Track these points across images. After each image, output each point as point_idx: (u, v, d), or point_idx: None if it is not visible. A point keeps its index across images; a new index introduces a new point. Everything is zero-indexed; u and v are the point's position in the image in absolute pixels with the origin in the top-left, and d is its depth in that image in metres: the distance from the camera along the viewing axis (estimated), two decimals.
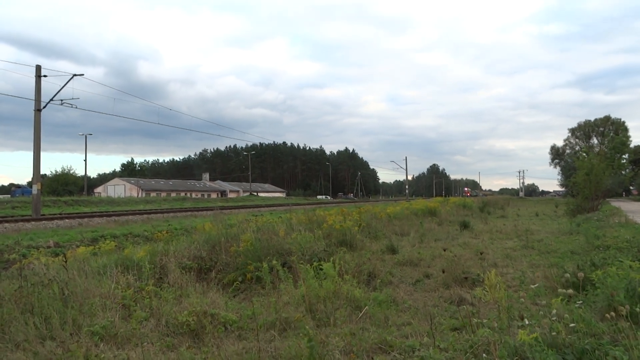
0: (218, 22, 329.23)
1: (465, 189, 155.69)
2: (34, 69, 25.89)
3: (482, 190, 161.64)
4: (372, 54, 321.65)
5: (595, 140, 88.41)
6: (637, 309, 3.92)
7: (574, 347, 3.44)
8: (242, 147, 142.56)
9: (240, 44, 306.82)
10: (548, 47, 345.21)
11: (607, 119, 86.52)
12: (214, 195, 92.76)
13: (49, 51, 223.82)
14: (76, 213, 27.78)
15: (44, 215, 24.73)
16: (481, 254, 8.15)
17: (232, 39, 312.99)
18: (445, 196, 70.66)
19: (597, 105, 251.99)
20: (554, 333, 3.55)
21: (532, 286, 4.96)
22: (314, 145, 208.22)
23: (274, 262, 7.22)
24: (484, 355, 3.63)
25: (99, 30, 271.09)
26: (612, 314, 3.81)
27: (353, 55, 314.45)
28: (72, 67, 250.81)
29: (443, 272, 7.21)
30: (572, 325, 3.79)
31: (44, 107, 26.05)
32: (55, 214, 25.71)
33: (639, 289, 4.58)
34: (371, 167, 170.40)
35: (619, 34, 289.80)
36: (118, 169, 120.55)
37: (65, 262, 6.23)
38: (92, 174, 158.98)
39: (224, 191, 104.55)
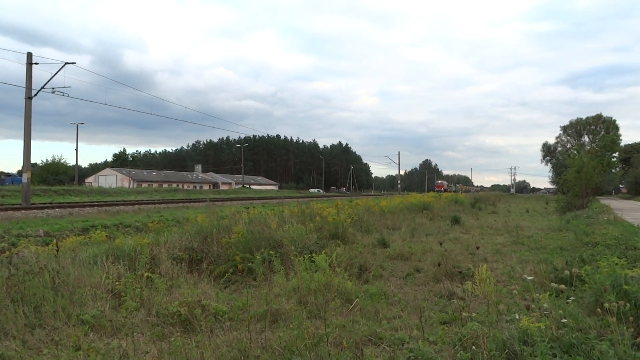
0: (207, 12, 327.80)
1: (438, 182, 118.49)
2: (17, 56, 25.81)
3: (473, 185, 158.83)
4: (363, 48, 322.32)
5: (586, 138, 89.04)
6: (622, 305, 3.97)
7: (562, 340, 3.49)
8: (235, 139, 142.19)
9: (229, 35, 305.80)
10: (538, 44, 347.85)
11: (598, 117, 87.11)
12: (206, 187, 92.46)
13: (33, 38, 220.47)
14: (67, 202, 27.56)
15: (34, 204, 24.52)
16: (477, 248, 8.21)
17: (222, 29, 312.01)
18: (437, 191, 70.19)
19: (586, 103, 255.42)
20: (543, 326, 3.59)
21: (528, 278, 5.00)
22: (306, 138, 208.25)
23: (270, 252, 7.25)
24: (473, 347, 3.67)
25: (84, 18, 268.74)
26: (599, 309, 3.87)
27: (344, 49, 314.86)
28: (57, 54, 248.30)
29: (439, 265, 7.26)
30: (563, 320, 3.84)
31: (35, 95, 25.77)
32: (45, 203, 25.49)
33: (624, 286, 4.64)
34: (364, 161, 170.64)
35: (608, 32, 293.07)
36: (109, 159, 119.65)
37: (57, 251, 6.20)
38: (83, 163, 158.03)
39: (216, 183, 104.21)
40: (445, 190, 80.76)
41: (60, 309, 5.05)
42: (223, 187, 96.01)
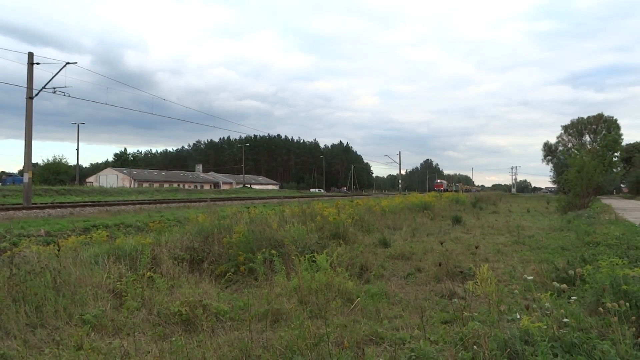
0: (207, 12, 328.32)
1: (437, 181, 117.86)
2: (18, 55, 25.74)
3: (474, 185, 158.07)
4: (363, 48, 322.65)
5: (587, 138, 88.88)
6: (623, 305, 3.97)
7: (563, 340, 3.48)
8: (235, 139, 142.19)
9: (230, 35, 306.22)
10: (538, 44, 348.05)
11: (599, 116, 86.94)
12: (207, 187, 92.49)
13: (34, 38, 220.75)
14: (68, 202, 27.57)
15: (35, 204, 24.54)
16: (476, 248, 8.19)
17: (222, 29, 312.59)
18: (436, 191, 69.44)
19: (587, 103, 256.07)
20: (544, 326, 3.59)
21: (529, 277, 5.00)
22: (307, 138, 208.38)
23: (271, 252, 7.24)
24: (474, 347, 3.67)
25: (85, 18, 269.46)
26: (601, 309, 3.86)
27: (344, 49, 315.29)
28: (57, 54, 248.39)
29: (440, 264, 7.25)
30: (564, 320, 3.84)
31: (36, 95, 25.79)
32: (46, 203, 25.50)
33: (623, 286, 4.63)
34: (365, 161, 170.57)
35: (608, 32, 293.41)
36: (110, 158, 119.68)
37: (58, 250, 6.21)
38: (84, 163, 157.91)
39: (217, 183, 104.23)
40: (445, 190, 78.75)
41: (62, 309, 5.06)
42: (224, 187, 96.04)
